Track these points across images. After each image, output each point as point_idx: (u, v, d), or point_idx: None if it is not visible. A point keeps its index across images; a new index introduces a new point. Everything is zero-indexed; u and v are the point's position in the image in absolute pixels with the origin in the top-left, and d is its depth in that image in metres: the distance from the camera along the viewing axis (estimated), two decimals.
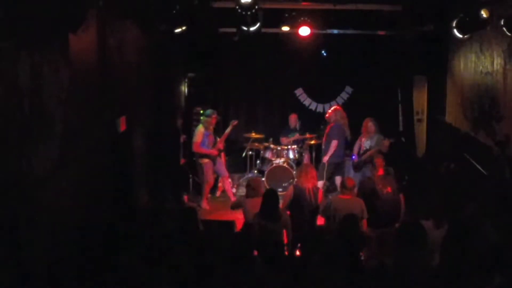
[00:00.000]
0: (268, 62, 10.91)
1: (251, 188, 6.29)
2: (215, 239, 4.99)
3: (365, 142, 8.50)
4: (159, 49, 7.99)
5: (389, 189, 6.58)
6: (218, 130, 9.45)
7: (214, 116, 8.76)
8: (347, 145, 9.10)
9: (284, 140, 10.28)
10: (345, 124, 8.94)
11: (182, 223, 5.30)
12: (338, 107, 9.35)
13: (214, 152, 8.73)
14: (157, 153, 7.81)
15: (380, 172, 6.75)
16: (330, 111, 9.23)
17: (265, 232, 5.57)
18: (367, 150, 8.38)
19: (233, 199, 8.78)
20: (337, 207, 6.05)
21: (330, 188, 9.34)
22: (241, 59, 10.84)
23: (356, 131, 8.87)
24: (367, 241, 5.68)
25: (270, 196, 5.85)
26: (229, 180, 9.21)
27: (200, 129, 8.71)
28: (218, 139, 8.95)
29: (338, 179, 8.95)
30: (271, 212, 5.75)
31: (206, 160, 8.72)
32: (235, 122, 9.22)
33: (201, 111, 10.15)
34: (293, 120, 10.40)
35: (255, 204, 5.95)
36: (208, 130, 8.70)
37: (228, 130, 9.08)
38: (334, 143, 8.71)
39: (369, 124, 8.49)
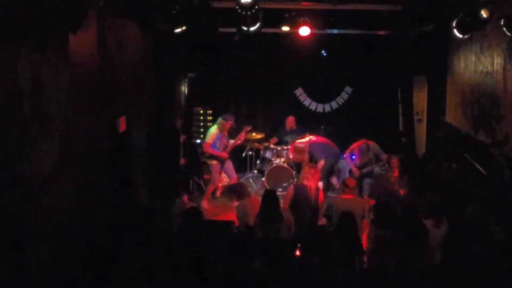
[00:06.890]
0: (268, 62, 10.90)
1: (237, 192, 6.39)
2: (215, 239, 4.99)
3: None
4: (159, 49, 7.98)
5: (403, 191, 6.55)
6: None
7: (230, 121, 8.77)
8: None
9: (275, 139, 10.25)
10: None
11: (185, 223, 5.28)
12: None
13: (224, 154, 8.72)
14: (157, 153, 7.80)
15: (396, 173, 6.72)
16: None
17: (267, 234, 5.50)
18: (366, 163, 8.12)
19: (236, 202, 8.73)
20: (340, 207, 6.01)
21: (328, 187, 9.32)
22: (241, 59, 10.84)
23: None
24: (377, 242, 5.54)
25: (269, 198, 5.75)
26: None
27: (213, 130, 8.71)
28: (231, 142, 8.93)
29: (333, 179, 8.96)
30: (272, 214, 5.63)
31: (214, 162, 8.72)
32: (248, 128, 9.25)
33: (201, 111, 10.15)
34: (289, 122, 10.35)
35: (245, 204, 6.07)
36: (221, 133, 8.70)
37: (241, 136, 9.07)
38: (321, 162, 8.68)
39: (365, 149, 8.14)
